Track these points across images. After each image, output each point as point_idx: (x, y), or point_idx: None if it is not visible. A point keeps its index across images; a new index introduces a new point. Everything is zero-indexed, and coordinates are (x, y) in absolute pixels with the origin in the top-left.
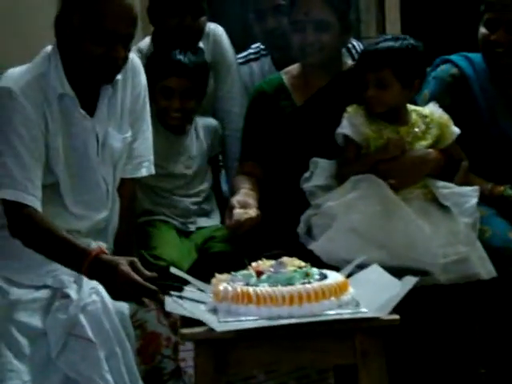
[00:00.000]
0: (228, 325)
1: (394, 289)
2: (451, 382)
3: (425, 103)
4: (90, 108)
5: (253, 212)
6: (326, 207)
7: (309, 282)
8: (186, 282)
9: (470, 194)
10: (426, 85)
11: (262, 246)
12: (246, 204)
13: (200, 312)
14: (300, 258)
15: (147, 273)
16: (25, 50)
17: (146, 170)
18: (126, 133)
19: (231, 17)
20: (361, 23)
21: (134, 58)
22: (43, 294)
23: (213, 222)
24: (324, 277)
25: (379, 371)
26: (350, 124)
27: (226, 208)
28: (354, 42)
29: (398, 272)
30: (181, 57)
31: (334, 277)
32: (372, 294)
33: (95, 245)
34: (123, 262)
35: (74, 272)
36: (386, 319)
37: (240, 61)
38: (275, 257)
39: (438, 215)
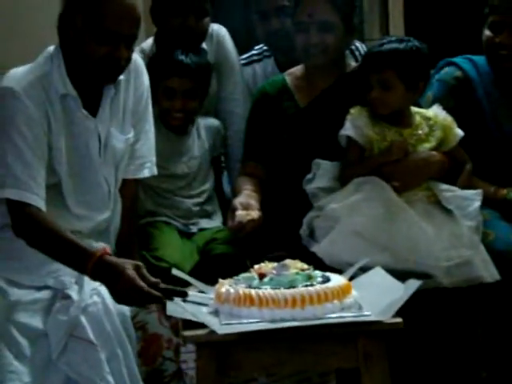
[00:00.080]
0: (230, 327)
1: (397, 292)
2: None
3: (428, 105)
4: (93, 108)
5: (255, 214)
6: (329, 209)
7: (311, 285)
8: (188, 284)
9: (473, 198)
10: (429, 87)
11: (264, 247)
12: (248, 206)
13: (202, 314)
14: (302, 260)
15: (152, 278)
16: (27, 50)
17: (149, 170)
18: (129, 133)
19: (234, 18)
20: (364, 25)
21: (137, 58)
22: (44, 294)
23: (215, 223)
24: (327, 279)
25: (382, 374)
26: (354, 126)
27: (228, 209)
28: (358, 44)
29: (400, 275)
30: (183, 57)
31: (336, 280)
32: (375, 297)
33: (99, 245)
34: (129, 267)
35: (76, 273)
36: (389, 322)
37: (243, 62)
38: (278, 259)
39: (441, 218)
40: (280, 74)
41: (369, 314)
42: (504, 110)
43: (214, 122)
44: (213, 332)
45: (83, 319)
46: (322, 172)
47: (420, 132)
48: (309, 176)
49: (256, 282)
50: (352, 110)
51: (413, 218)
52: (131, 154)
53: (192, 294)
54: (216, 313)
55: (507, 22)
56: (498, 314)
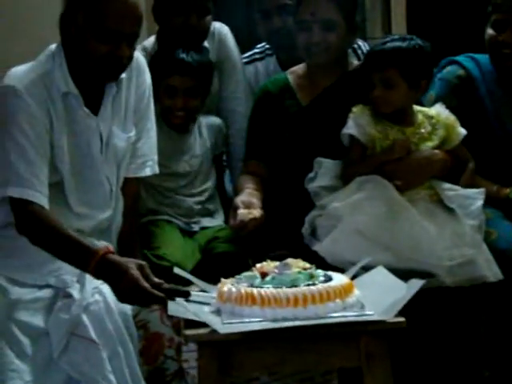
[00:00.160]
0: (232, 327)
1: (400, 291)
2: None
3: (431, 104)
4: (95, 106)
5: (257, 212)
6: (331, 208)
7: (313, 284)
8: (190, 283)
9: (475, 196)
10: (431, 86)
11: (266, 246)
12: (250, 204)
13: (203, 314)
14: (304, 259)
15: (155, 279)
16: (28, 48)
17: (150, 169)
18: (130, 132)
19: (236, 16)
20: (366, 23)
21: (139, 56)
22: (45, 293)
23: (216, 222)
24: (329, 279)
25: (384, 374)
26: (356, 124)
27: (230, 208)
28: (360, 43)
29: (403, 274)
30: (184, 55)
31: (339, 279)
32: (377, 296)
33: (101, 244)
34: (133, 266)
35: (77, 272)
36: (391, 322)
37: (245, 60)
38: (280, 258)
39: (443, 217)
40: (282, 73)
41: (371, 314)
42: (507, 108)
43: (215, 120)
44: (214, 331)
45: (85, 318)
46: (324, 171)
47: (423, 131)
48: (311, 175)
49: (258, 281)
50: (354, 109)
51: (415, 216)
52: (133, 152)
53: (194, 293)
54: (218, 312)
55: (510, 21)
56: (500, 313)
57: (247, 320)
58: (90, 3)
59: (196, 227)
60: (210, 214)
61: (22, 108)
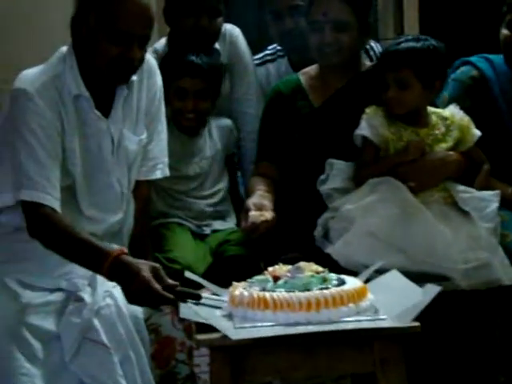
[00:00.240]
0: (244, 332)
1: (415, 296)
2: None
3: (444, 105)
4: (105, 109)
5: (268, 214)
6: (344, 210)
7: (326, 288)
8: (201, 286)
9: (490, 199)
10: (445, 87)
11: (277, 249)
12: (261, 206)
13: (215, 318)
14: (317, 262)
15: (169, 281)
16: (40, 51)
17: (161, 172)
18: (141, 134)
19: (248, 18)
20: (378, 24)
21: (150, 58)
22: (57, 297)
23: (228, 225)
24: (342, 282)
25: (399, 379)
26: (369, 125)
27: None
28: (372, 44)
29: (417, 277)
30: (194, 57)
31: (352, 282)
32: (391, 300)
33: (115, 247)
34: (145, 268)
35: (89, 275)
36: (406, 326)
37: (256, 62)
38: (292, 261)
39: (458, 220)
40: (294, 74)
41: (385, 318)
42: None
43: (225, 121)
44: (226, 336)
45: (96, 322)
46: (336, 172)
47: (437, 132)
48: (322, 176)
49: (270, 284)
50: (367, 110)
51: (429, 219)
52: (144, 155)
53: (205, 296)
54: (230, 316)
55: None
56: None
57: (259, 324)
58: (102, 5)
59: (207, 230)
60: (222, 216)
61: (33, 111)
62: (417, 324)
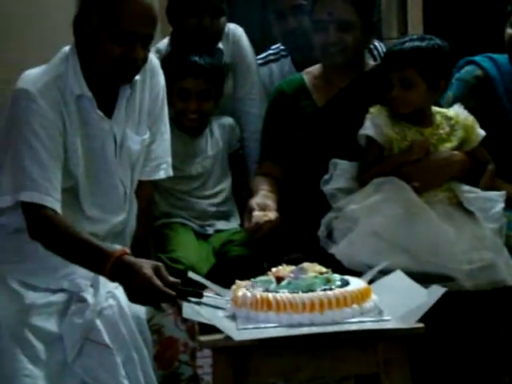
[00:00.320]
0: (247, 333)
1: (419, 297)
2: None
3: (448, 105)
4: (108, 109)
5: (272, 214)
6: (348, 210)
7: (330, 289)
8: (204, 287)
9: (496, 199)
10: (449, 86)
11: (281, 249)
12: (265, 206)
13: (218, 319)
14: (320, 262)
15: (170, 278)
16: (42, 51)
17: (164, 172)
18: (144, 134)
19: (251, 17)
20: (382, 24)
21: (153, 58)
22: (59, 297)
23: (232, 225)
24: (346, 283)
25: (403, 381)
26: (373, 125)
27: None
28: (376, 43)
29: (421, 277)
30: (196, 58)
31: (356, 283)
32: (395, 301)
33: (118, 247)
34: (145, 266)
35: (91, 276)
36: (410, 327)
37: (259, 62)
38: (295, 261)
39: (462, 220)
40: (298, 73)
41: (389, 319)
42: None
43: (227, 120)
44: (229, 337)
45: (98, 322)
46: (340, 172)
47: (441, 131)
48: (326, 176)
49: (273, 285)
50: (372, 109)
51: (434, 219)
52: (147, 155)
53: (208, 296)
54: (233, 317)
55: None
56: None
57: (262, 325)
58: (105, 4)
59: (210, 230)
60: (225, 216)
61: (36, 111)
62: (421, 325)
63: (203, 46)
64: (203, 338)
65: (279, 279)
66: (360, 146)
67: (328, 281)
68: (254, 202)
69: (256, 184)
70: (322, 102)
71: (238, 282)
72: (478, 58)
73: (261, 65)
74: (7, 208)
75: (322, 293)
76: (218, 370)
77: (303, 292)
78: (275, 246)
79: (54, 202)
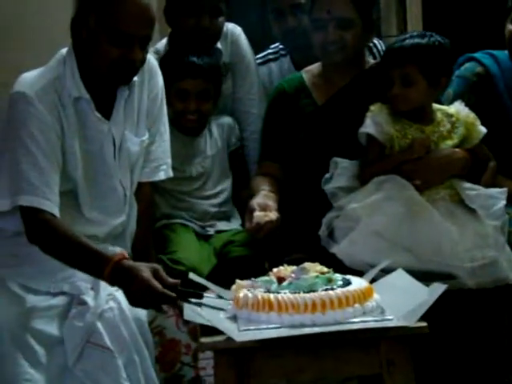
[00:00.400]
0: (248, 334)
1: (421, 295)
2: None
3: (449, 102)
4: (106, 111)
5: (273, 215)
6: (350, 209)
7: (332, 289)
8: (205, 288)
9: (497, 196)
10: (449, 84)
11: (282, 249)
12: (266, 206)
13: (219, 320)
14: (321, 262)
15: (170, 280)
16: (40, 53)
17: (164, 173)
18: (143, 136)
19: (250, 16)
20: (381, 22)
21: (151, 58)
22: (60, 300)
23: (233, 225)
24: (348, 283)
25: (406, 381)
26: (374, 123)
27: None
28: (375, 41)
29: (423, 276)
30: (195, 58)
31: (358, 283)
32: (398, 300)
33: (118, 249)
34: (144, 269)
35: (91, 278)
36: (413, 327)
37: (259, 61)
38: (296, 262)
39: (464, 218)
40: (297, 72)
41: (391, 318)
42: None
43: (225, 119)
44: (231, 339)
45: (99, 325)
46: (341, 171)
47: (442, 129)
48: (327, 175)
49: (275, 286)
50: (372, 107)
51: (435, 217)
52: (146, 156)
53: (209, 298)
54: (234, 318)
55: None
56: None
57: (264, 327)
58: (102, 6)
59: (211, 231)
60: (227, 217)
61: (33, 115)
62: (424, 324)
63: (202, 46)
64: (204, 340)
65: (280, 280)
66: (361, 145)
67: (329, 281)
68: (255, 202)
69: (256, 184)
70: (322, 101)
71: (238, 281)
72: (478, 55)
73: (260, 64)
74: (5, 212)
75: (323, 293)
76: (219, 371)
77: (305, 292)
78: (276, 246)
79: (52, 205)
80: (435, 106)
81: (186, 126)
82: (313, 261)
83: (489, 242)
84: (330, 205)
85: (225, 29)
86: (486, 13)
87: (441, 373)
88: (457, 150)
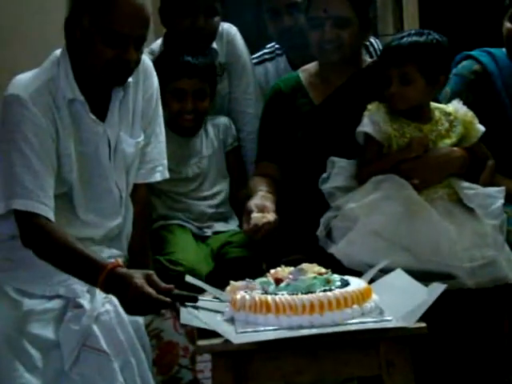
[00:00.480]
0: (245, 336)
1: (420, 295)
2: None
3: (446, 101)
4: (101, 112)
5: (271, 216)
6: (347, 209)
7: (330, 290)
8: (203, 291)
9: (496, 195)
10: (447, 82)
11: (280, 250)
12: (263, 208)
13: (216, 323)
14: (320, 262)
15: (163, 285)
16: (34, 54)
17: (160, 174)
18: (139, 137)
19: (245, 16)
20: (377, 20)
21: (146, 59)
22: (55, 304)
23: (230, 226)
24: (346, 283)
25: (405, 382)
26: (371, 122)
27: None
28: (372, 40)
29: (422, 275)
30: (189, 58)
31: (356, 283)
32: (397, 300)
33: (111, 252)
34: (137, 276)
35: None
36: (412, 328)
37: (255, 61)
38: (294, 262)
39: (463, 217)
40: (294, 71)
41: (390, 319)
42: None
43: (221, 119)
44: (228, 341)
45: (95, 328)
46: (338, 170)
47: (440, 128)
48: (324, 175)
49: (272, 287)
50: (369, 106)
51: (434, 216)
52: (141, 157)
53: (206, 300)
54: (231, 320)
55: None
56: None
57: (262, 329)
58: (96, 6)
59: (208, 232)
60: (224, 218)
61: (27, 117)
62: (423, 325)
63: (197, 46)
64: (201, 343)
65: (278, 281)
66: (358, 144)
67: (328, 281)
68: (253, 203)
69: (254, 185)
70: (318, 100)
71: (232, 282)
72: (475, 53)
73: (256, 64)
74: (0, 215)
75: (321, 294)
76: (217, 374)
77: (303, 293)
78: (274, 247)
79: (46, 209)
80: (433, 104)
81: (183, 125)
82: (311, 261)
83: (488, 242)
84: (328, 205)
85: (220, 29)
86: (482, 11)
87: (440, 373)
88: (455, 148)
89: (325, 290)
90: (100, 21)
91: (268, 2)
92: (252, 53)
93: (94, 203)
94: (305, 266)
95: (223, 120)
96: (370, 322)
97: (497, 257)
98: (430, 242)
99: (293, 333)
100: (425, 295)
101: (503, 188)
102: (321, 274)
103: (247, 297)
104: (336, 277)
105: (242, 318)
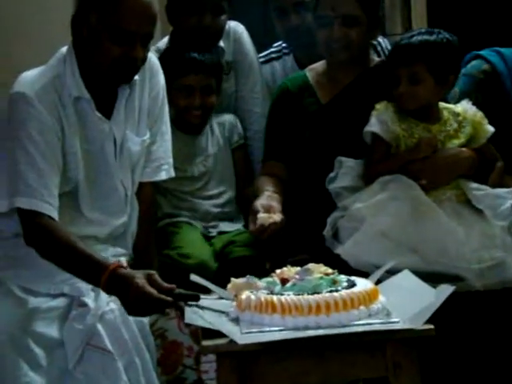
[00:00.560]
0: (251, 336)
1: (428, 297)
2: None
3: (455, 101)
4: (107, 110)
5: (277, 216)
6: (354, 209)
7: (336, 290)
8: (208, 290)
9: (505, 196)
10: (456, 82)
11: (286, 250)
12: (270, 208)
13: (221, 323)
14: (326, 262)
15: (165, 284)
16: (39, 51)
17: (166, 172)
18: (144, 135)
19: (252, 15)
20: (385, 20)
21: (152, 57)
22: (60, 302)
23: (236, 226)
24: (352, 284)
25: None
26: (379, 121)
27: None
28: (380, 39)
29: (429, 277)
30: (195, 54)
31: (363, 284)
32: (404, 302)
33: (116, 251)
34: (139, 276)
35: None
36: (419, 329)
37: (262, 60)
38: (300, 263)
39: (471, 218)
40: (301, 70)
41: (397, 321)
42: None
43: (227, 116)
44: (233, 341)
45: (100, 327)
46: (345, 170)
47: (449, 128)
48: (332, 175)
49: (278, 287)
50: (378, 106)
51: (442, 217)
52: (147, 156)
53: (211, 300)
54: (236, 320)
55: None
56: None
57: (267, 329)
58: (103, 3)
59: (214, 232)
60: (230, 218)
61: (33, 115)
62: (431, 327)
63: (204, 45)
64: (206, 343)
65: (284, 281)
66: (366, 144)
67: (334, 282)
68: (259, 203)
69: (260, 184)
70: (326, 100)
71: (233, 280)
72: (484, 52)
73: (263, 63)
74: (4, 213)
75: (328, 294)
76: (221, 375)
77: (309, 294)
78: (280, 247)
79: (50, 208)
80: (442, 104)
81: (191, 122)
82: (317, 262)
83: (496, 243)
84: (335, 205)
85: (227, 27)
86: (490, 10)
87: (447, 376)
88: (464, 149)
89: (331, 291)
90: (107, 18)
91: (275, 0)
92: (259, 51)
93: (100, 201)
94: (311, 266)
95: (229, 118)
96: (376, 324)
97: (505, 258)
98: (438, 243)
99: (299, 334)
100: (432, 297)
101: None
102: (327, 275)
103: (252, 297)
104: (342, 277)
105: (248, 318)
